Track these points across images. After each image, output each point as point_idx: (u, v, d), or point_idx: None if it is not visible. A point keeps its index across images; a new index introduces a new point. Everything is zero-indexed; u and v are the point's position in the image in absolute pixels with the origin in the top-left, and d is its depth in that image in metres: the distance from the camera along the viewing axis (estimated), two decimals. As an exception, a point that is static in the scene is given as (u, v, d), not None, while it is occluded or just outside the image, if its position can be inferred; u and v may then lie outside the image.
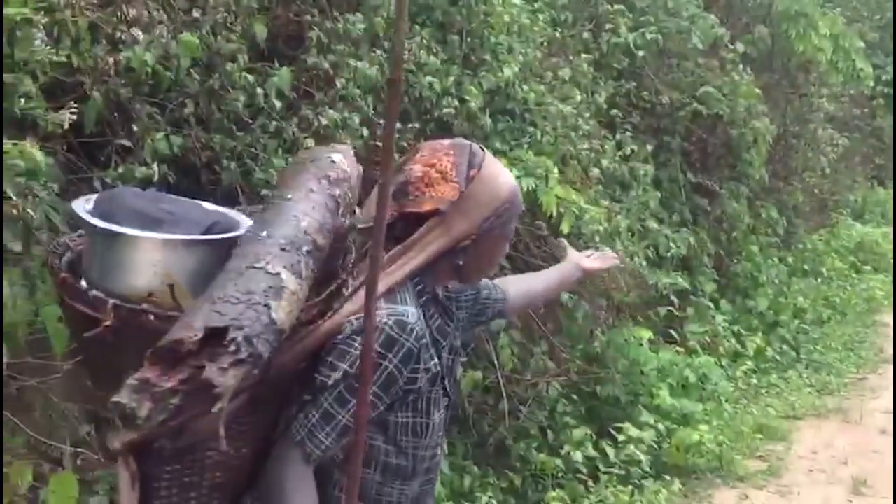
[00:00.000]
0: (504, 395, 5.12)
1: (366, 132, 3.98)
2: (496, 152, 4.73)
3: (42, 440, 3.25)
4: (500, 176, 2.02)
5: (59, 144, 2.90)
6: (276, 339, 1.55)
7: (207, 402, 1.44)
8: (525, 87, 5.06)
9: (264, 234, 1.68)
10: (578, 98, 5.49)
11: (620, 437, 5.45)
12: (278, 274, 1.59)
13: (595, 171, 5.48)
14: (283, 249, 1.64)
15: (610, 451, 5.34)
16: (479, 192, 1.96)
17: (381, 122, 4.22)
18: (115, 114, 3.31)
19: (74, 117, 2.32)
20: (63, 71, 2.78)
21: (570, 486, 5.06)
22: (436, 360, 1.93)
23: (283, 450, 1.83)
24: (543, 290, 2.68)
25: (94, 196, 1.88)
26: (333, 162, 1.91)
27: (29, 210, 2.11)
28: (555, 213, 4.77)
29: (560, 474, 5.13)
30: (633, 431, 5.50)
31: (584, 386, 5.93)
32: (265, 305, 1.54)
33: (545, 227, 5.09)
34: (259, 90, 3.50)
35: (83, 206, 1.82)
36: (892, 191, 12.04)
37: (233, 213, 1.92)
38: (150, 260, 1.70)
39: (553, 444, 5.39)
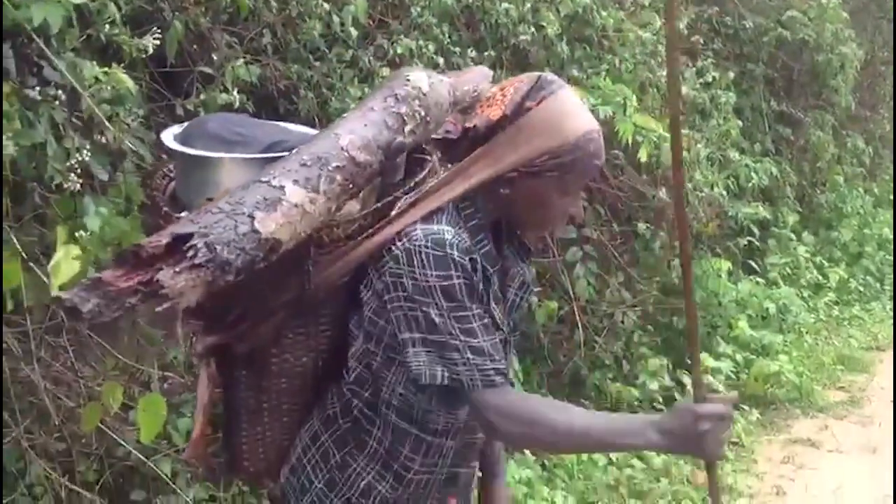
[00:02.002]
0: (579, 325, 5.12)
1: (441, 61, 3.96)
2: (573, 80, 4.68)
3: (131, 364, 3.38)
4: (570, 117, 1.83)
5: (142, 74, 2.95)
6: (261, 249, 1.57)
7: (160, 302, 1.47)
8: (603, 13, 4.97)
9: (294, 151, 1.70)
10: (658, 24, 5.37)
11: (698, 367, 5.41)
12: (282, 187, 1.60)
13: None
14: (302, 164, 1.65)
15: (687, 381, 5.32)
16: (535, 126, 1.81)
17: (457, 49, 4.21)
18: (195, 45, 3.37)
19: (158, 43, 2.34)
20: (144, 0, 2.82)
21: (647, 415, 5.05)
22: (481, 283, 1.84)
23: (481, 406, 1.76)
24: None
25: (184, 124, 1.97)
26: (408, 80, 1.90)
27: (118, 135, 2.15)
28: (631, 142, 4.70)
29: (636, 403, 5.14)
30: (711, 362, 5.47)
31: (661, 317, 5.90)
32: (249, 216, 1.56)
33: (622, 156, 5.03)
34: (335, 18, 3.50)
35: (171, 132, 1.92)
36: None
37: (309, 133, 1.95)
38: (212, 178, 1.77)
39: (628, 374, 5.39)
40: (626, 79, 4.97)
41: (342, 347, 1.92)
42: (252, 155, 1.80)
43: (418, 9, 4.02)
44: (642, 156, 4.67)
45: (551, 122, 1.82)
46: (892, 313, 7.43)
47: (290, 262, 1.70)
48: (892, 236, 8.64)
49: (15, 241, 2.43)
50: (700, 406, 1.69)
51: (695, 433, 1.66)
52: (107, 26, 2.24)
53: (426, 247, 1.75)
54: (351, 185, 1.71)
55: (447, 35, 4.15)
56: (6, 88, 2.02)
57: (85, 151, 2.14)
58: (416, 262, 1.75)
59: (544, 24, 4.51)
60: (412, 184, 1.86)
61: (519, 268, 1.99)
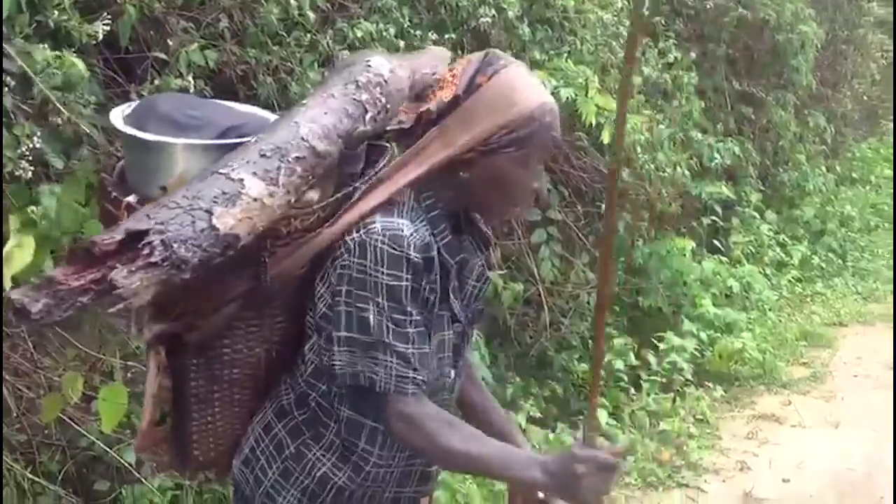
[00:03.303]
0: (545, 306, 5.13)
1: (401, 44, 3.94)
2: (534, 62, 4.68)
3: (93, 354, 3.35)
4: (522, 91, 1.79)
5: (96, 59, 2.91)
6: (218, 245, 1.54)
7: (113, 302, 1.45)
8: (563, -6, 4.96)
9: (253, 139, 1.67)
10: (619, 5, 5.38)
11: (662, 346, 5.47)
12: (241, 180, 1.57)
13: (636, 80, 5.39)
14: (262, 156, 1.62)
15: (652, 360, 5.36)
16: (486, 102, 1.77)
17: (417, 33, 4.19)
18: (151, 31, 3.33)
19: (108, 28, 2.31)
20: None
21: (612, 394, 5.11)
22: (439, 278, 1.81)
23: (388, 410, 1.76)
24: (486, 421, 2.08)
25: (133, 104, 1.91)
26: (369, 66, 1.87)
27: (72, 120, 2.12)
28: (594, 124, 4.71)
29: (602, 383, 5.16)
30: (676, 340, 5.52)
31: (626, 297, 5.94)
32: (207, 211, 1.53)
33: (585, 138, 5.04)
34: (293, 2, 3.47)
35: (120, 113, 1.85)
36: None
37: (268, 116, 1.92)
38: (165, 163, 1.72)
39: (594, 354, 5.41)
40: (587, 60, 4.98)
41: (296, 338, 1.90)
42: (207, 141, 1.75)
43: (377, -9, 3.99)
44: (605, 137, 4.67)
45: (503, 97, 1.78)
46: (853, 290, 7.53)
47: (246, 254, 1.67)
48: (853, 214, 8.74)
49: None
50: (581, 450, 1.69)
51: (571, 477, 1.66)
52: (55, 11, 2.21)
53: (383, 242, 1.72)
54: (311, 176, 1.69)
55: (407, 18, 4.13)
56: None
57: (36, 138, 2.11)
58: (368, 256, 1.72)
59: (504, 6, 4.49)
60: (372, 173, 1.83)
61: (477, 258, 1.96)
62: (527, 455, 1.79)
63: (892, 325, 6.61)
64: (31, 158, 2.12)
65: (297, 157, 1.66)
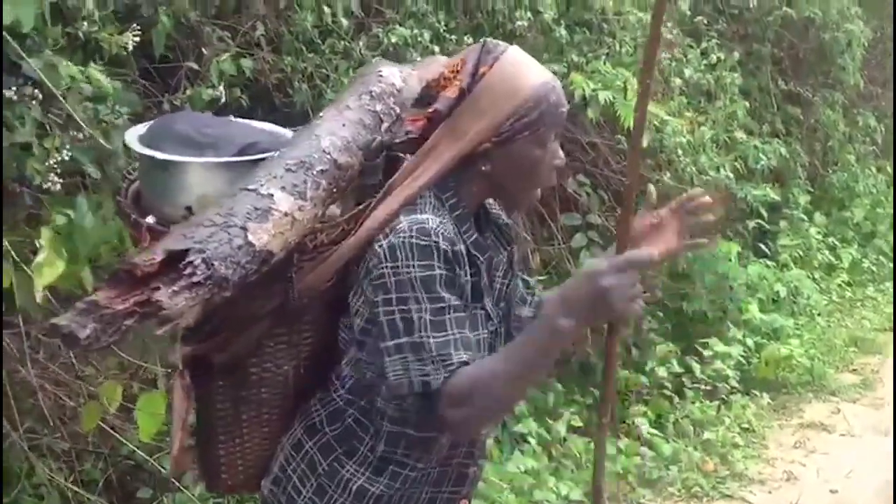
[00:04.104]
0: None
1: (437, 49, 3.91)
2: (572, 65, 4.63)
3: (135, 362, 3.35)
4: (523, 74, 1.78)
5: (133, 70, 2.92)
6: (255, 262, 1.53)
7: (161, 324, 1.43)
8: (602, -3, 4.90)
9: (276, 154, 1.66)
10: (659, 6, 5.29)
11: (707, 353, 5.38)
12: (270, 195, 1.56)
13: (677, 82, 5.32)
14: (288, 170, 1.61)
15: (696, 367, 5.27)
16: (492, 91, 1.76)
17: (453, 37, 4.16)
18: (189, 40, 3.34)
19: (139, 39, 2.31)
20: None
21: (655, 402, 5.03)
22: (469, 276, 1.79)
23: (441, 404, 1.68)
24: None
25: (148, 124, 1.90)
26: (381, 76, 1.86)
27: (96, 134, 2.12)
28: (633, 127, 4.63)
29: (645, 391, 5.10)
30: (721, 347, 5.42)
31: (670, 302, 5.86)
32: (242, 228, 1.51)
33: (624, 141, 4.98)
34: (326, 9, 3.46)
35: (136, 133, 1.85)
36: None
37: (283, 133, 1.90)
38: (183, 183, 1.71)
39: (638, 361, 5.35)
40: (626, 62, 4.91)
41: (324, 354, 1.88)
42: (226, 159, 1.73)
43: (412, -4, 3.97)
44: (643, 140, 4.59)
45: (509, 82, 1.77)
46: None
47: (274, 270, 1.65)
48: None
49: (5, 242, 2.41)
50: (597, 263, 1.59)
51: (598, 293, 1.54)
52: (84, 23, 2.21)
53: (411, 237, 1.70)
54: (335, 189, 1.68)
55: (443, 23, 4.10)
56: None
57: (65, 151, 2.11)
58: (399, 256, 1.70)
59: (541, 9, 4.45)
60: (388, 182, 1.81)
61: (501, 255, 1.94)
62: (544, 315, 1.63)
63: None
64: (59, 171, 2.12)
65: (322, 171, 1.65)
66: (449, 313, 1.70)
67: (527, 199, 1.92)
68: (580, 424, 4.62)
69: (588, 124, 4.88)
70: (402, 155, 1.85)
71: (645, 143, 4.70)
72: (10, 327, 2.80)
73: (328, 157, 1.66)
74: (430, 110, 1.81)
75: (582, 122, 4.87)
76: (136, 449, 3.32)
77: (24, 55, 1.99)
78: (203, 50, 3.10)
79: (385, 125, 1.82)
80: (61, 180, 2.12)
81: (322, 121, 1.77)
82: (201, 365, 1.81)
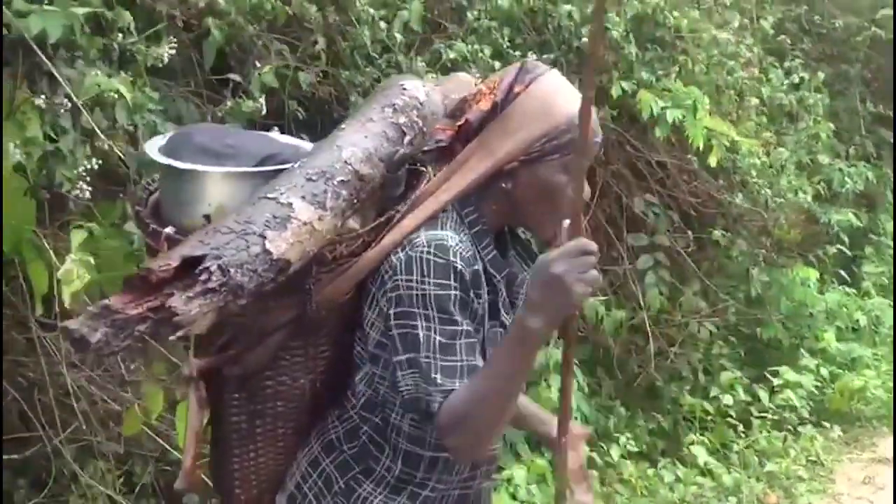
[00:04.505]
0: (651, 335, 4.97)
1: (497, 65, 3.88)
2: (641, 83, 4.54)
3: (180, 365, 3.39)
4: (561, 97, 1.77)
5: (180, 82, 2.96)
6: (272, 270, 1.51)
7: (174, 330, 1.42)
8: (675, 14, 4.79)
9: (297, 164, 1.65)
10: (736, 23, 5.17)
11: (776, 381, 5.21)
12: (290, 204, 1.55)
13: (754, 102, 5.17)
14: (308, 179, 1.59)
15: (764, 396, 5.11)
16: (526, 110, 1.75)
17: (517, 53, 4.12)
18: (249, 53, 3.37)
19: (174, 52, 2.34)
20: (184, 7, 2.83)
21: (719, 430, 4.89)
22: (486, 294, 1.77)
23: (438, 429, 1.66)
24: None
25: (168, 135, 1.92)
26: (404, 89, 1.84)
27: (117, 146, 2.15)
28: (702, 147, 4.53)
29: (708, 418, 4.96)
30: (792, 375, 5.25)
31: (744, 328, 5.71)
32: (260, 235, 1.50)
33: (695, 161, 4.86)
34: (382, 24, 3.46)
35: (156, 143, 1.86)
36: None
37: (304, 146, 1.90)
38: (202, 193, 1.71)
39: (706, 386, 5.22)
40: (700, 81, 4.80)
41: (339, 368, 1.85)
42: (246, 169, 1.73)
43: (475, 12, 3.95)
44: (712, 160, 4.48)
45: (543, 104, 1.76)
46: None
47: (291, 281, 1.64)
48: None
49: (48, 247, 2.45)
50: (547, 254, 1.54)
51: (552, 281, 1.49)
52: (120, 35, 2.25)
53: (429, 252, 1.68)
54: (355, 201, 1.66)
55: (506, 39, 4.07)
56: (20, 98, 2.05)
57: (95, 160, 2.14)
58: (415, 270, 1.67)
59: (609, 25, 4.38)
60: (413, 195, 1.80)
61: (525, 273, 1.89)
62: (513, 321, 1.62)
63: None
64: (88, 179, 2.16)
65: (342, 181, 1.63)
66: (460, 338, 1.67)
67: (544, 226, 1.84)
68: (637, 450, 4.50)
69: (657, 143, 4.78)
70: (424, 168, 1.85)
71: (714, 162, 4.59)
72: (50, 329, 2.85)
73: (349, 167, 1.65)
74: (460, 122, 1.81)
75: (651, 141, 4.78)
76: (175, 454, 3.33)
77: (45, 61, 2.02)
78: (257, 63, 3.12)
79: (408, 138, 1.79)
80: (90, 188, 2.15)
81: (344, 132, 1.75)
82: (216, 377, 1.79)
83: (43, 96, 2.04)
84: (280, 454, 1.89)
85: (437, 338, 1.66)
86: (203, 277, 1.44)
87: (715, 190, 5.07)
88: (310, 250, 1.59)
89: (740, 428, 4.96)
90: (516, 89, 1.77)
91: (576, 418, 4.49)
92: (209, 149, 1.78)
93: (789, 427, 5.06)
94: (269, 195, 1.56)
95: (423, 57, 3.78)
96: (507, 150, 1.76)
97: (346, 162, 1.64)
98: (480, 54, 3.86)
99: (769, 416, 5.04)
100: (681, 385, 5.23)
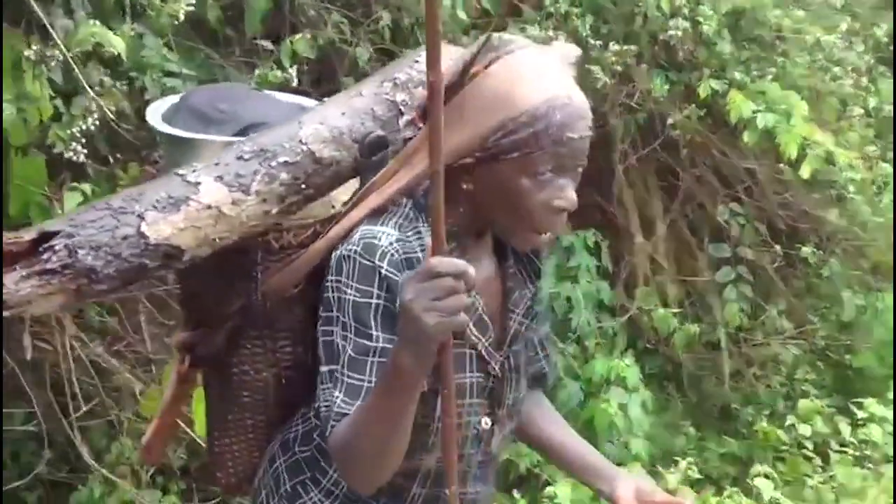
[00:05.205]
0: (727, 354, 4.66)
1: (573, 53, 3.63)
2: (733, 83, 4.23)
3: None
4: (526, 82, 1.45)
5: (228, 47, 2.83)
6: (148, 256, 1.37)
7: (7, 308, 1.30)
8: (777, 12, 4.46)
9: (246, 138, 1.49)
10: (844, 26, 4.79)
11: (861, 414, 4.82)
12: (197, 184, 1.39)
13: (857, 112, 4.79)
14: (238, 157, 1.43)
15: (845, 429, 4.74)
16: (482, 96, 1.45)
17: (597, 42, 3.88)
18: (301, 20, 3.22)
19: (192, 8, 2.18)
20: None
21: (793, 462, 4.54)
22: None
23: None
24: (563, 452, 1.82)
25: (178, 96, 1.83)
26: (416, 63, 1.63)
27: (106, 102, 2.00)
28: (796, 156, 4.19)
29: (783, 448, 4.62)
30: (878, 409, 4.84)
31: (832, 353, 5.34)
32: (139, 216, 1.35)
33: (787, 170, 4.52)
34: (446, 2, 3.26)
35: (165, 104, 1.78)
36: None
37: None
38: (181, 159, 1.57)
39: (784, 413, 4.88)
40: (798, 85, 4.46)
41: (314, 366, 1.65)
42: (199, 136, 1.61)
43: (554, -6, 3.72)
44: (804, 172, 4.14)
45: (503, 90, 1.45)
46: None
47: (236, 267, 1.53)
48: None
49: (60, 211, 2.34)
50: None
51: (404, 311, 1.26)
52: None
53: (355, 252, 1.47)
54: (304, 185, 1.47)
55: (587, 27, 3.82)
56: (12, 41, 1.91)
57: (91, 118, 1.99)
58: (343, 270, 1.47)
59: (701, 19, 4.08)
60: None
61: (525, 290, 1.66)
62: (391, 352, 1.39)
63: None
64: (83, 141, 2.01)
65: (285, 162, 1.45)
66: (373, 355, 1.46)
67: (514, 235, 1.56)
68: (699, 477, 4.20)
69: (746, 149, 4.46)
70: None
71: (807, 173, 4.25)
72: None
73: (303, 147, 1.46)
74: (417, 107, 1.56)
75: (740, 147, 4.46)
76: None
77: (36, 10, 1.87)
78: (307, 34, 2.95)
79: (405, 118, 1.59)
80: (85, 150, 2.00)
81: (323, 106, 1.58)
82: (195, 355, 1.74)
83: (34, 48, 1.89)
84: (252, 445, 1.78)
85: (350, 352, 1.46)
86: (45, 256, 1.32)
87: (808, 204, 4.73)
88: (217, 237, 1.42)
89: (817, 461, 4.59)
90: (475, 69, 1.47)
91: (637, 436, 4.26)
92: (202, 113, 1.68)
93: (870, 464, 4.67)
94: (180, 171, 1.42)
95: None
96: (457, 144, 1.46)
97: (300, 141, 1.46)
98: (554, 41, 3.62)
99: (850, 451, 4.66)
100: (758, 409, 4.91)
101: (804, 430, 4.59)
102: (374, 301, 1.45)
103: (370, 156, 1.53)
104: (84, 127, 1.98)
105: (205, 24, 2.69)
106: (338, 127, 1.50)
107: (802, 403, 4.71)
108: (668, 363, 4.85)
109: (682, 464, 4.17)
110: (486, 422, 1.61)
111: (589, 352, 4.33)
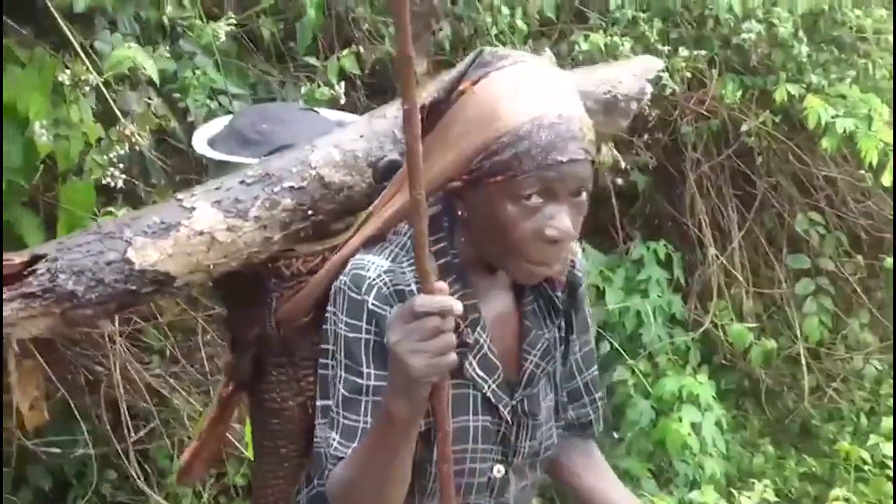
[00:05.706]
0: (805, 368, 4.48)
1: (638, 61, 3.51)
2: (811, 87, 4.06)
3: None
4: (511, 100, 1.33)
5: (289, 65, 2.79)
6: (133, 281, 1.34)
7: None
8: (857, 12, 4.26)
9: (256, 161, 1.44)
10: (929, 26, 4.56)
11: (948, 432, 4.58)
12: (192, 209, 1.35)
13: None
14: (241, 182, 1.39)
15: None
16: (466, 116, 1.34)
17: (665, 48, 3.74)
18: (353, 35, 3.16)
19: (230, 28, 2.13)
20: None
21: (876, 483, 4.32)
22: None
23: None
24: None
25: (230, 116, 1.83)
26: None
27: (138, 132, 1.96)
28: (877, 162, 4.00)
29: (865, 467, 4.40)
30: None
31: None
32: (127, 241, 1.32)
33: (869, 178, 4.32)
34: (505, 10, 3.16)
35: (209, 127, 1.77)
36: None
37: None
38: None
39: (867, 431, 4.67)
40: (880, 88, 4.25)
41: None
42: (240, 159, 1.56)
43: (618, 1, 3.59)
44: (885, 179, 3.94)
45: (487, 108, 1.33)
46: None
47: (251, 293, 1.50)
48: None
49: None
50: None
51: (390, 354, 1.21)
52: (169, 8, 2.04)
53: (346, 284, 1.40)
54: (310, 211, 1.42)
55: (655, 32, 3.69)
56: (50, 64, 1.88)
57: (142, 137, 1.95)
58: (337, 303, 1.41)
59: (776, 21, 3.91)
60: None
61: (543, 330, 1.53)
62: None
63: None
64: (121, 167, 1.96)
65: (290, 188, 1.40)
66: (365, 394, 1.39)
67: (506, 267, 1.43)
68: (775, 499, 4.02)
69: (825, 155, 4.27)
70: None
71: (889, 181, 4.04)
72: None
73: (311, 172, 1.40)
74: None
75: (818, 153, 4.28)
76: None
77: (69, 30, 1.83)
78: (361, 48, 2.88)
79: None
80: (123, 176, 1.96)
81: (343, 128, 1.51)
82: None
83: (68, 71, 1.85)
84: (287, 475, 1.72)
85: (342, 391, 1.39)
86: (29, 280, 1.32)
87: (891, 211, 4.51)
88: (212, 264, 1.38)
89: (901, 482, 4.37)
90: (462, 86, 1.36)
91: (711, 455, 4.11)
92: (241, 134, 1.65)
93: (962, 489, 4.43)
94: (179, 196, 1.39)
95: (555, 47, 3.46)
96: (443, 167, 1.36)
97: (309, 165, 1.40)
98: (620, 47, 3.50)
99: (937, 473, 4.43)
100: (840, 427, 4.70)
101: (888, 449, 4.37)
102: (363, 336, 1.39)
103: (383, 180, 1.46)
104: (121, 152, 1.94)
105: (260, 40, 2.64)
106: (352, 150, 1.45)
107: (886, 421, 4.48)
108: (745, 379, 4.68)
109: (759, 486, 3.99)
110: (498, 469, 1.51)
111: (660, 368, 4.19)
